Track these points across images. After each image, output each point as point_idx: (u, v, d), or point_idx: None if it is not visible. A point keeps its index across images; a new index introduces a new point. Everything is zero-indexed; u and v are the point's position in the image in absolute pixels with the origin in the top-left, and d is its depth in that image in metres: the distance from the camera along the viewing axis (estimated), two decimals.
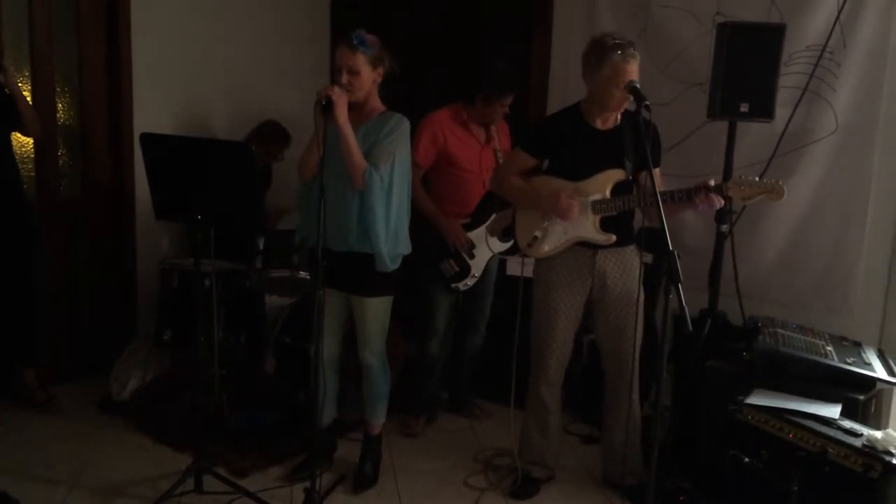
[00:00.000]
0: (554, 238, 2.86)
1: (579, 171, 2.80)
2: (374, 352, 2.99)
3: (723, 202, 2.63)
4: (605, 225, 2.80)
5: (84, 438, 3.35)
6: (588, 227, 2.80)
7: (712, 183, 2.62)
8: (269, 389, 3.66)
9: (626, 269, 2.88)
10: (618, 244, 2.83)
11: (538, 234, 2.87)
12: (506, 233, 3.49)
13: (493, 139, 3.49)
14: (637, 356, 2.90)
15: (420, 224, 3.48)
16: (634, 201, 2.74)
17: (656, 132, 2.85)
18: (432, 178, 3.53)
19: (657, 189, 2.40)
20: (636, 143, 2.73)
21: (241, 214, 2.74)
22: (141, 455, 3.23)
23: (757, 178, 2.61)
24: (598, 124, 2.80)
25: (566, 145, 2.80)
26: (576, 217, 2.77)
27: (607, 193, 2.77)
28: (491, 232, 3.45)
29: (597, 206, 2.78)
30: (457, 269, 3.44)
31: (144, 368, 3.72)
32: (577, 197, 2.77)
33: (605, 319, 2.92)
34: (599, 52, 2.65)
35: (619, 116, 2.82)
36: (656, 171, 2.83)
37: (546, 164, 2.93)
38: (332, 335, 3.00)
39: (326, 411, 3.09)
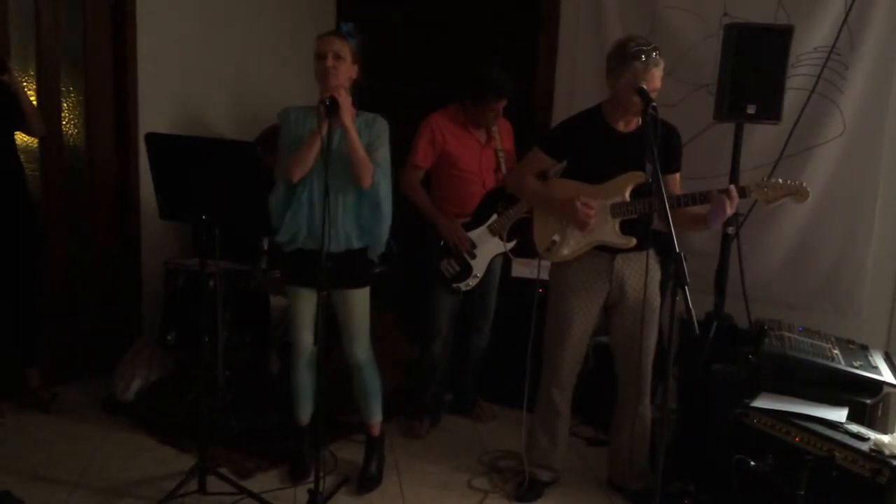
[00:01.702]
0: (573, 242, 2.82)
1: (600, 173, 2.76)
2: (363, 347, 2.99)
3: (735, 209, 2.60)
4: (625, 228, 2.76)
5: (88, 438, 3.35)
6: (608, 231, 2.76)
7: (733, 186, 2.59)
8: (274, 390, 3.65)
9: (644, 273, 2.83)
10: (637, 248, 2.78)
11: (556, 237, 2.84)
12: (510, 233, 3.49)
13: (494, 139, 3.49)
14: (651, 361, 2.88)
15: (420, 225, 3.48)
16: (654, 204, 2.70)
17: (678, 137, 2.82)
18: (433, 179, 3.53)
19: (666, 193, 2.38)
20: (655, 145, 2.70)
21: (247, 215, 2.74)
22: (145, 455, 3.22)
23: (780, 180, 2.58)
24: (621, 127, 2.77)
25: (588, 147, 2.77)
26: (593, 226, 2.74)
27: (627, 196, 2.73)
28: (492, 232, 3.45)
29: (616, 209, 2.74)
30: (457, 268, 3.44)
31: (149, 369, 3.72)
32: (594, 200, 2.73)
33: (621, 324, 2.89)
34: (622, 57, 2.61)
35: (640, 119, 2.78)
36: (676, 176, 2.83)
37: (560, 166, 2.91)
38: (308, 331, 2.97)
39: (308, 407, 3.10)
